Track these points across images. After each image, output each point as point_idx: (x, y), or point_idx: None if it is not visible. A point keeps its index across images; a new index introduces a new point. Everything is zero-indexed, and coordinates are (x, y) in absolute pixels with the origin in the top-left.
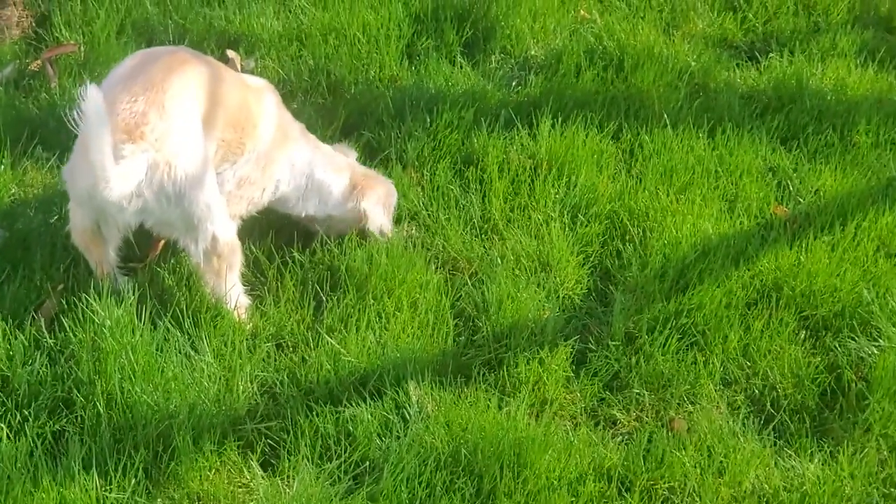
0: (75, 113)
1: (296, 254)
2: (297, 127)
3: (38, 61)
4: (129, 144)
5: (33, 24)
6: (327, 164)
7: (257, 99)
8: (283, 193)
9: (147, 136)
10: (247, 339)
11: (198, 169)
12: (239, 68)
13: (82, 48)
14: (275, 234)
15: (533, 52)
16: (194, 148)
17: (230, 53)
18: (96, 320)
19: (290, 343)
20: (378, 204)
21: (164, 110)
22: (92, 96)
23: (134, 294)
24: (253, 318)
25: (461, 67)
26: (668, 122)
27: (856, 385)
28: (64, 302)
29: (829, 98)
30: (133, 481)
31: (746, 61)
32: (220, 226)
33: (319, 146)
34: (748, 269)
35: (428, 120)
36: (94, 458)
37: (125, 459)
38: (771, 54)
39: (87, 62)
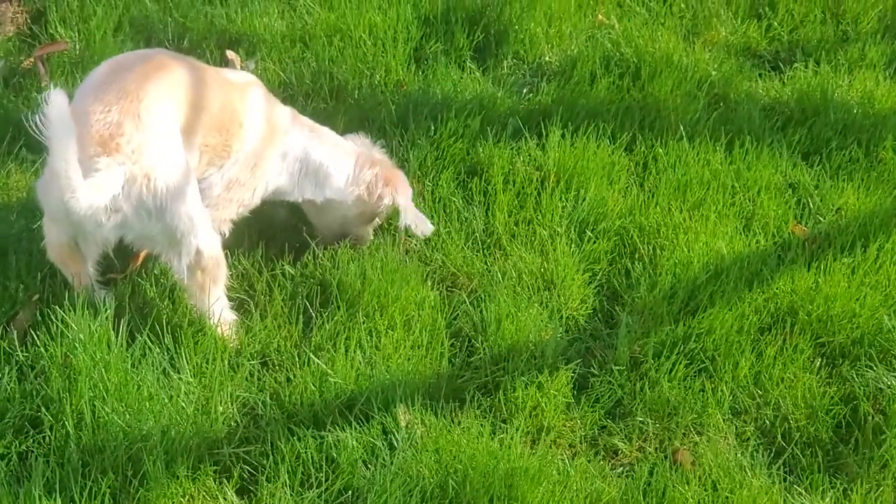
0: (38, 119)
1: (287, 266)
2: (288, 114)
3: (31, 59)
4: (104, 157)
5: (28, 21)
6: (325, 146)
7: (241, 96)
8: (276, 186)
9: (123, 147)
10: (230, 357)
11: (179, 180)
12: (239, 69)
13: (77, 46)
14: (265, 246)
15: (547, 58)
16: (174, 158)
17: (230, 54)
18: (69, 335)
19: (275, 361)
20: (411, 200)
21: (140, 120)
22: (56, 102)
23: (111, 307)
24: (238, 334)
25: (470, 73)
26: (684, 133)
27: (872, 418)
28: (38, 314)
29: (855, 111)
30: None
31: (770, 71)
32: (204, 239)
33: (316, 129)
34: (762, 292)
35: (432, 128)
36: (58, 482)
37: (91, 484)
38: (795, 64)
39: (81, 60)
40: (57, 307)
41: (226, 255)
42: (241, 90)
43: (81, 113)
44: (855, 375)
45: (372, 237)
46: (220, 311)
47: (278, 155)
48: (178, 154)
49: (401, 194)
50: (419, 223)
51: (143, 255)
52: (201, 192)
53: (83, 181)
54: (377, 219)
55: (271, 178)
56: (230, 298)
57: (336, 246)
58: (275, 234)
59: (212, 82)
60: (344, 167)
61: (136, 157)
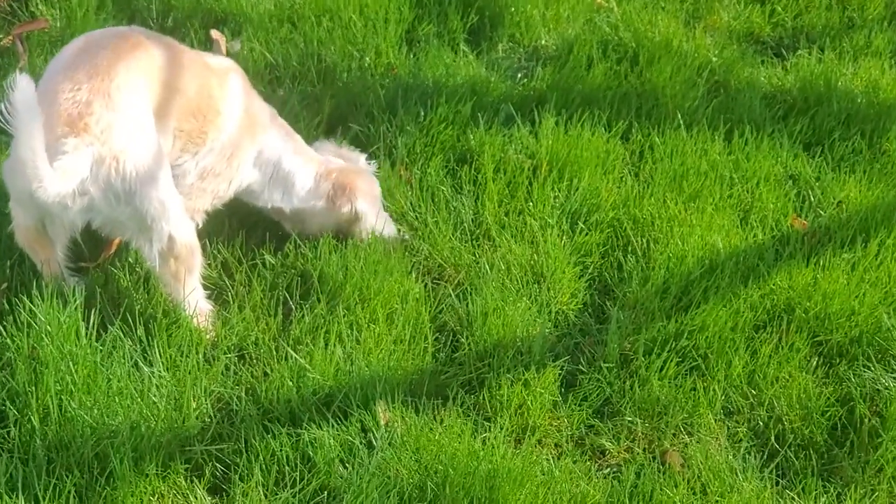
0: (2, 106)
1: (267, 256)
2: (267, 111)
3: (10, 37)
4: (72, 138)
5: None
6: (296, 154)
7: (220, 82)
8: (249, 183)
9: (91, 128)
10: (205, 350)
11: (149, 163)
12: (224, 50)
13: (58, 24)
14: (245, 234)
15: (543, 42)
16: (145, 140)
17: (214, 34)
18: (36, 326)
19: (253, 355)
20: (374, 204)
21: (111, 99)
22: (22, 87)
23: (81, 297)
24: (215, 325)
25: (464, 56)
26: (682, 122)
27: (869, 420)
28: (6, 303)
29: (859, 101)
30: None
31: (772, 58)
32: (176, 225)
33: (291, 134)
34: (758, 288)
35: (422, 113)
36: (21, 479)
37: (55, 482)
38: (799, 51)
39: (61, 39)
40: (25, 297)
41: (204, 243)
42: (221, 76)
43: (50, 91)
44: (852, 376)
45: (367, 235)
46: (195, 302)
47: (254, 148)
48: (149, 136)
49: (359, 199)
50: (383, 228)
51: (116, 242)
52: (175, 180)
53: (50, 169)
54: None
55: (245, 173)
56: (207, 288)
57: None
58: (256, 222)
59: (189, 65)
60: (306, 179)
61: (105, 138)
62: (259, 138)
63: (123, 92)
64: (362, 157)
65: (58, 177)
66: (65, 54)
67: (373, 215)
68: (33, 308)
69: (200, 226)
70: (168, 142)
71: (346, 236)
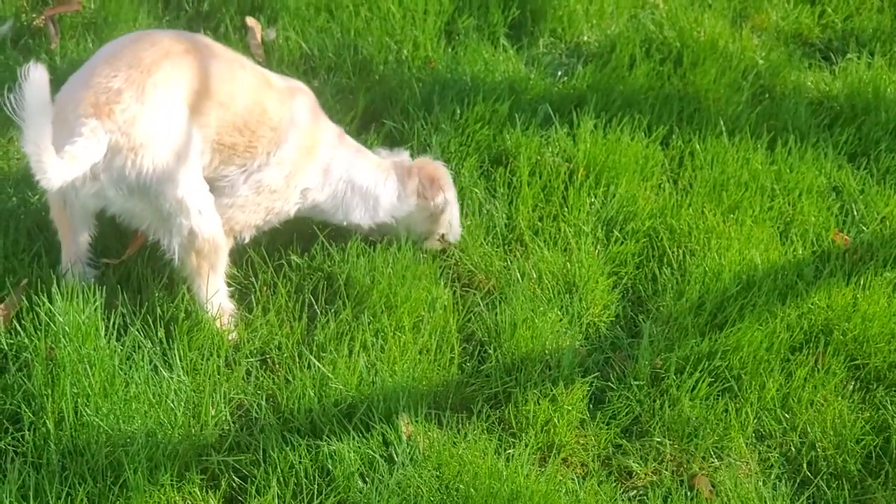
0: (13, 96)
1: (293, 257)
2: (334, 131)
3: (42, 18)
4: (93, 120)
5: None
6: (370, 168)
7: (281, 101)
8: (315, 202)
9: (116, 115)
10: (227, 353)
11: (169, 163)
12: (259, 38)
13: (91, 6)
14: (272, 233)
15: (585, 38)
16: (170, 140)
17: (250, 21)
18: (54, 326)
19: (275, 360)
20: (455, 195)
21: (143, 93)
22: (35, 78)
23: (101, 297)
24: (238, 327)
25: (504, 51)
26: (724, 128)
27: None
28: (25, 300)
29: None
30: None
31: (820, 61)
32: (198, 220)
33: (362, 150)
34: (796, 307)
35: (458, 111)
36: (33, 487)
37: (67, 489)
38: (848, 55)
39: (94, 22)
40: (44, 295)
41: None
42: (283, 95)
43: (87, 72)
44: (889, 403)
45: (459, 228)
46: (219, 302)
47: (320, 169)
48: (176, 137)
49: (447, 187)
50: (455, 225)
51: (139, 241)
52: (220, 189)
53: (55, 159)
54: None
55: (311, 193)
56: (231, 287)
57: (346, 237)
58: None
59: (243, 80)
60: (390, 186)
61: (127, 129)
62: (324, 158)
63: (159, 89)
64: (406, 153)
65: (64, 164)
66: (116, 42)
67: (457, 204)
68: (52, 308)
69: (247, 241)
70: (206, 153)
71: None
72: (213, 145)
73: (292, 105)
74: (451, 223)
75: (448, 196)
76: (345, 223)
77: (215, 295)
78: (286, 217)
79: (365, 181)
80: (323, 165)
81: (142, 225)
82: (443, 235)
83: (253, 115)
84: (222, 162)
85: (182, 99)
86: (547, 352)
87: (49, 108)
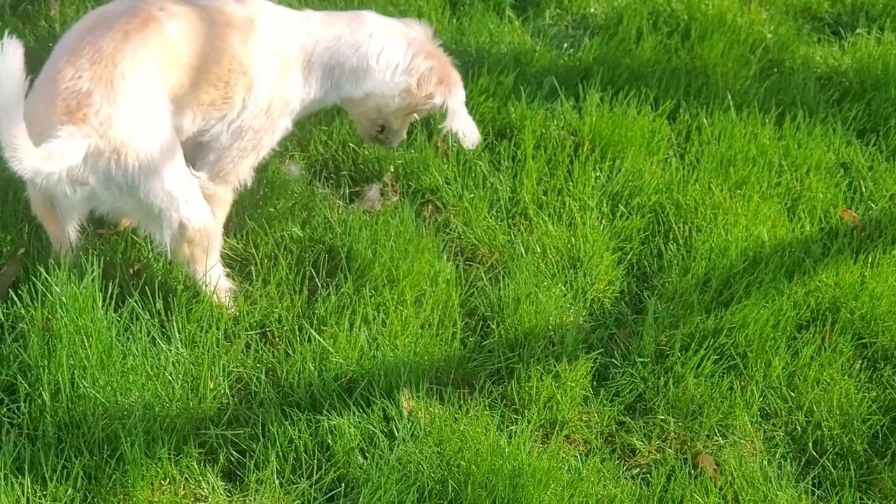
0: None
1: (294, 229)
2: (315, 18)
3: None
4: (69, 126)
5: None
6: (364, 37)
7: (244, 38)
8: (307, 101)
9: (90, 119)
10: (226, 326)
11: (154, 156)
12: None
13: None
14: (273, 205)
15: (592, 10)
16: (151, 131)
17: None
18: (51, 297)
19: (276, 333)
20: (463, 104)
21: (113, 89)
22: (10, 53)
23: (98, 268)
24: (237, 301)
25: (510, 22)
26: (731, 103)
27: None
28: (22, 269)
29: None
30: (71, 490)
31: (829, 36)
32: (187, 210)
33: (355, 18)
34: (803, 285)
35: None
36: (28, 459)
37: (63, 462)
38: (858, 30)
39: None
40: (41, 265)
41: (230, 213)
42: (244, 31)
43: (52, 76)
44: None
45: (403, 137)
46: (217, 278)
47: (299, 78)
48: (156, 126)
49: (453, 95)
50: (468, 130)
51: None
52: (208, 147)
53: (30, 146)
54: (415, 114)
55: (296, 102)
56: (233, 259)
57: (349, 208)
58: (285, 192)
59: (206, 31)
60: (391, 55)
61: (105, 130)
62: (300, 64)
63: (128, 80)
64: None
65: (39, 155)
66: (72, 34)
67: (463, 114)
68: (48, 278)
69: (250, 185)
70: (188, 119)
71: (382, 137)
72: (193, 107)
73: (255, 37)
74: (458, 131)
75: (450, 103)
76: (338, 102)
77: (212, 272)
78: (281, 138)
79: (356, 53)
80: (301, 71)
81: (132, 221)
82: (382, 129)
83: (223, 65)
84: (203, 119)
85: (152, 80)
86: (550, 327)
87: (22, 84)
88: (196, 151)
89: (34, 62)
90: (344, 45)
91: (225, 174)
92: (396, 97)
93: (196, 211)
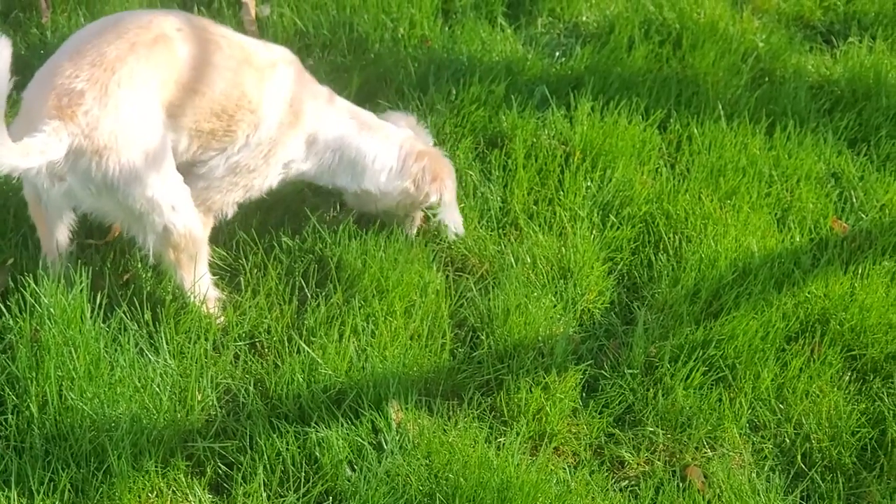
0: None
1: (284, 238)
2: (323, 96)
3: None
4: (56, 121)
5: None
6: (364, 134)
7: (260, 79)
8: (300, 172)
9: (78, 118)
10: (215, 336)
11: (136, 164)
12: (252, 14)
13: None
14: (263, 213)
15: (584, 18)
16: (136, 141)
17: None
18: (39, 308)
19: (264, 344)
20: (455, 195)
21: (106, 94)
22: None
23: (87, 279)
24: (225, 311)
25: (502, 30)
26: (722, 113)
27: None
28: (10, 280)
29: None
30: (58, 503)
31: (821, 44)
32: (171, 216)
33: (357, 113)
34: (793, 296)
35: (453, 92)
36: (15, 471)
37: (50, 475)
38: (850, 38)
39: None
40: (30, 275)
41: (219, 223)
42: (262, 72)
43: (51, 70)
44: (886, 395)
45: (419, 224)
46: (205, 288)
47: (303, 140)
48: (144, 136)
49: (447, 190)
50: (457, 222)
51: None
52: (201, 176)
53: (7, 142)
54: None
55: (293, 164)
56: (221, 269)
57: (339, 218)
58: (276, 201)
59: (219, 63)
60: (387, 159)
61: (90, 132)
62: (307, 128)
63: (123, 88)
64: (431, 139)
65: (17, 151)
66: (80, 34)
67: (454, 206)
68: (37, 289)
69: (230, 217)
70: (184, 143)
71: (398, 221)
72: (191, 133)
73: (273, 81)
74: (448, 224)
75: (445, 198)
76: (330, 187)
77: (199, 282)
78: (269, 189)
79: (356, 147)
80: (307, 136)
81: (115, 222)
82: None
83: (231, 99)
84: (201, 147)
85: (150, 94)
86: (540, 338)
87: (6, 84)
88: (188, 180)
89: (25, 69)
90: (350, 135)
91: (211, 203)
92: (397, 197)
93: (182, 218)
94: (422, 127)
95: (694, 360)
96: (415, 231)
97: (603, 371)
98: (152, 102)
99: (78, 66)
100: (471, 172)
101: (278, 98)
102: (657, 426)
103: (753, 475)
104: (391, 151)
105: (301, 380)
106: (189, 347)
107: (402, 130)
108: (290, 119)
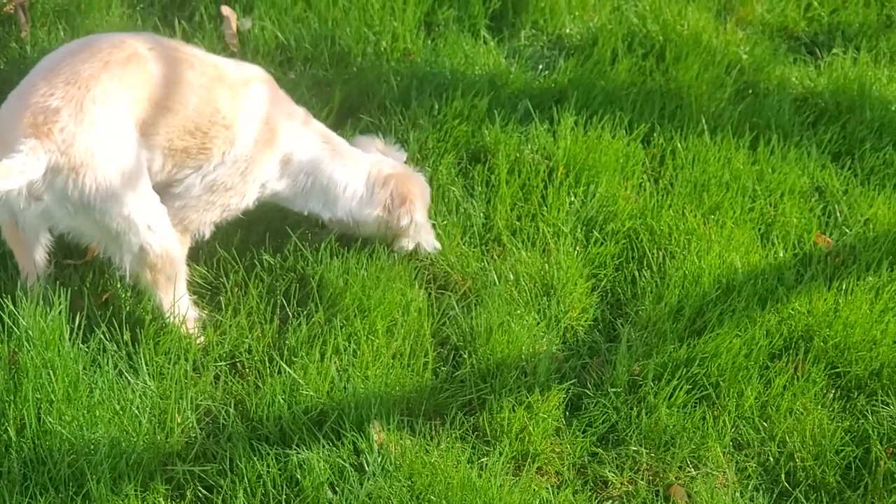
0: None
1: (266, 256)
2: (299, 117)
3: (11, 5)
4: (32, 140)
5: None
6: (336, 160)
7: (234, 95)
8: (274, 192)
9: (55, 135)
10: (195, 357)
11: (113, 181)
12: (234, 28)
13: None
14: (244, 231)
15: (568, 30)
16: (112, 158)
17: (225, 10)
18: (17, 330)
19: (245, 364)
20: (427, 214)
21: (82, 111)
22: None
23: (66, 300)
24: (206, 331)
25: (485, 43)
26: (706, 126)
27: (885, 464)
28: None
29: (893, 109)
30: None
31: (805, 56)
32: (147, 236)
33: (330, 138)
34: (776, 313)
35: (436, 107)
36: None
37: (27, 499)
38: (834, 50)
39: (66, 10)
40: (8, 297)
41: (198, 243)
42: (235, 89)
43: (26, 89)
44: (870, 412)
45: (411, 248)
46: (184, 309)
47: (277, 161)
48: (119, 154)
49: (417, 210)
50: (429, 239)
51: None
52: (177, 195)
53: None
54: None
55: (268, 184)
56: (202, 287)
57: (321, 236)
58: (256, 218)
59: (192, 80)
60: (357, 187)
61: (66, 149)
62: (282, 148)
63: (98, 105)
64: (404, 156)
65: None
66: (54, 55)
67: (426, 225)
68: (14, 311)
69: (207, 237)
70: (158, 162)
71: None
72: (165, 151)
73: (247, 99)
74: (420, 242)
75: (417, 219)
76: (305, 212)
77: (178, 303)
78: (246, 209)
79: (328, 173)
80: (282, 156)
81: (92, 241)
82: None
83: (204, 116)
84: (176, 165)
85: (123, 111)
86: (523, 357)
87: None
88: (165, 200)
89: (4, 84)
90: (323, 161)
91: (188, 222)
92: (373, 224)
93: (159, 237)
94: (392, 147)
95: (677, 379)
96: (412, 247)
97: (586, 389)
98: (126, 120)
99: (52, 85)
100: (453, 188)
101: (253, 114)
102: (641, 445)
103: (737, 494)
104: (359, 178)
105: (282, 401)
106: (169, 368)
107: (371, 156)
108: (266, 136)
